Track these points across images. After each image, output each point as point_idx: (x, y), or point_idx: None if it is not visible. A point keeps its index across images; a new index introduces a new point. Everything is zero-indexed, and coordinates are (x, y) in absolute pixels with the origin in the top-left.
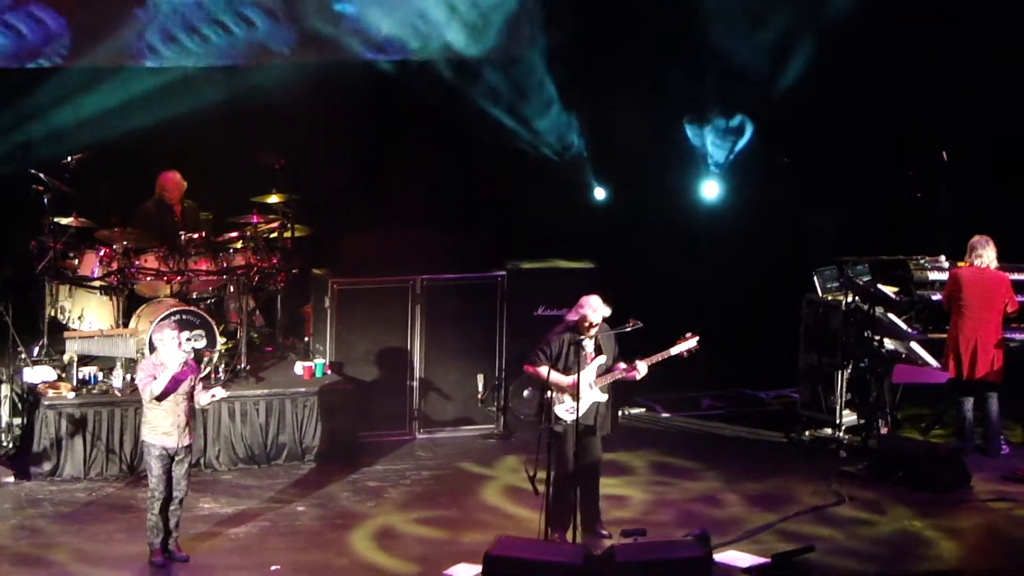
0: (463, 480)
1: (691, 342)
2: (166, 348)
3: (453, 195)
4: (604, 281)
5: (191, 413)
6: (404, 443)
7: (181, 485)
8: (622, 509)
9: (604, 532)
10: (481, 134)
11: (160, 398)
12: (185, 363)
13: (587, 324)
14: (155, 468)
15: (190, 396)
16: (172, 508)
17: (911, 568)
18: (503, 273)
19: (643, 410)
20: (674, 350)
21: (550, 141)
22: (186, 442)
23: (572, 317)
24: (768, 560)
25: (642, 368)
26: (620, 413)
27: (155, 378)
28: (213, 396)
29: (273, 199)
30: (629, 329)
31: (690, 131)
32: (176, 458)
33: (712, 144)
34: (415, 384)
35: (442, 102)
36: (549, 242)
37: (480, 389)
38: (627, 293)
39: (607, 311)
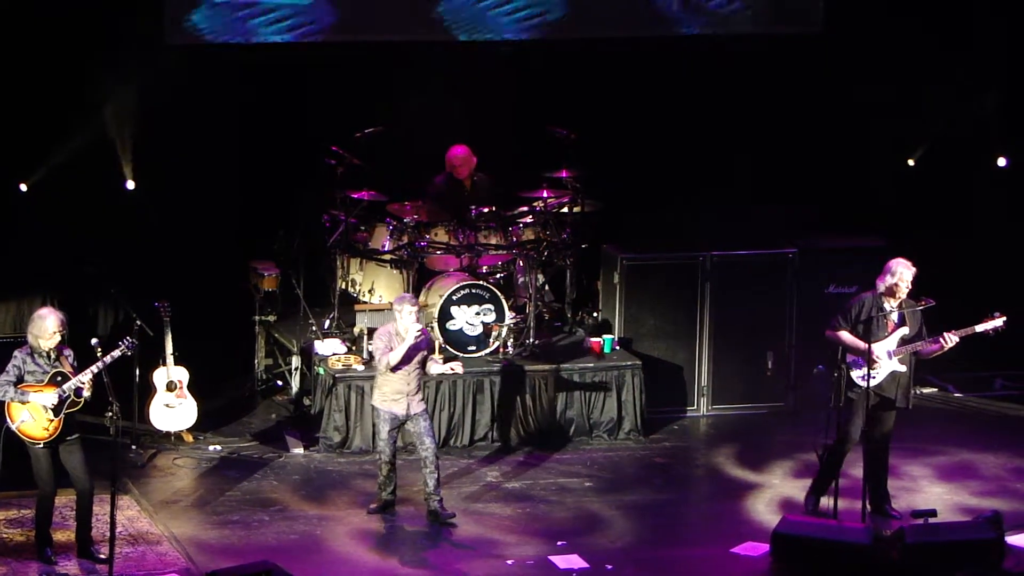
0: (750, 457)
1: (997, 321)
2: (404, 321)
3: (741, 171)
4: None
5: (420, 382)
6: (692, 419)
7: (426, 443)
8: (910, 490)
9: (895, 513)
10: (765, 110)
11: (395, 368)
12: (419, 334)
13: (902, 286)
14: (382, 431)
15: (422, 366)
16: (427, 471)
17: None
18: (794, 250)
19: (934, 390)
20: (979, 328)
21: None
22: (416, 409)
23: (884, 281)
24: None
25: (951, 338)
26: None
27: (392, 349)
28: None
29: (564, 173)
30: (921, 308)
31: None
32: (411, 420)
33: None
34: (703, 360)
35: (733, 77)
36: (839, 218)
37: (769, 366)
38: (920, 271)
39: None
